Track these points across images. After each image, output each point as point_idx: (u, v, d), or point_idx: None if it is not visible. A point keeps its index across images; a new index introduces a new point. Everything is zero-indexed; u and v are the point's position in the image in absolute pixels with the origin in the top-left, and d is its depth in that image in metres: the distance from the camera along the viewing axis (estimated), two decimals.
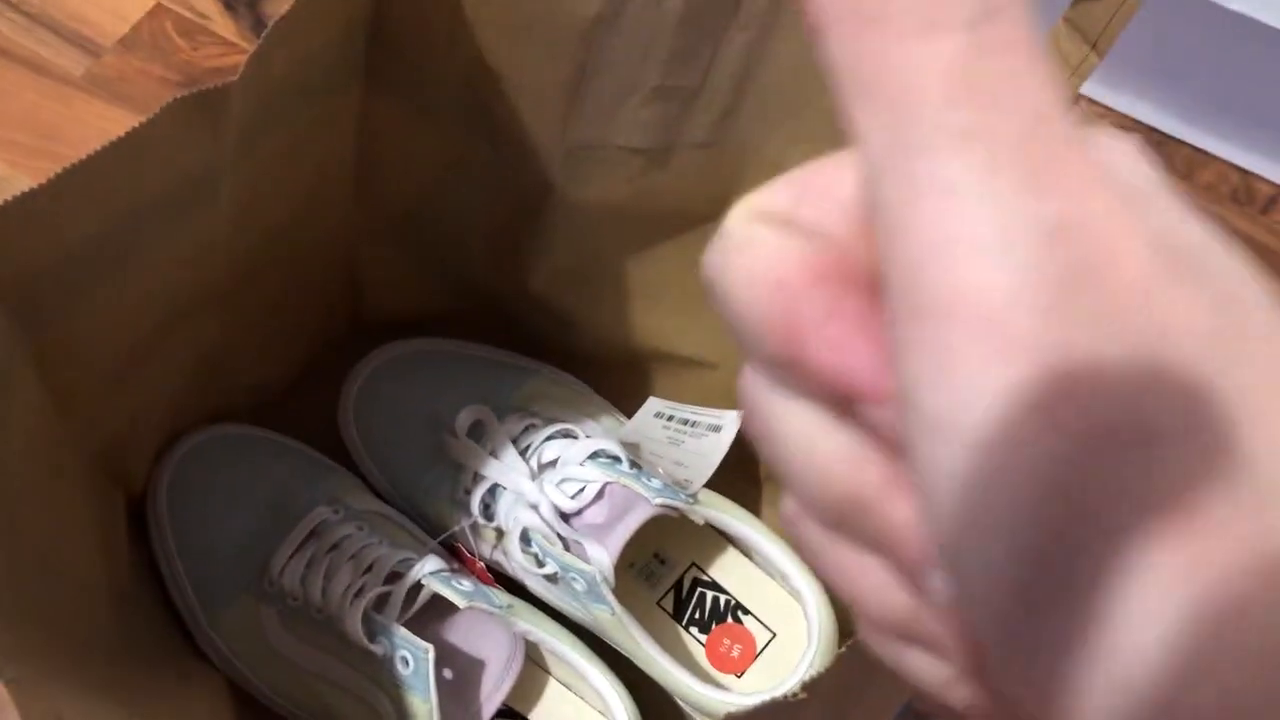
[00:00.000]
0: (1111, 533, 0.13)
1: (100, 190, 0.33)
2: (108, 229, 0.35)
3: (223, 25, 0.76)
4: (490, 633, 0.53)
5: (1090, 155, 0.13)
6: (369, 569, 0.51)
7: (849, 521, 0.16)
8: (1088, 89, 0.67)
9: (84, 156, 0.31)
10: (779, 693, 0.49)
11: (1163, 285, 0.13)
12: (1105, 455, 0.12)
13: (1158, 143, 0.75)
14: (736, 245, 0.16)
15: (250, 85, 0.36)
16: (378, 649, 0.49)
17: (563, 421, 0.56)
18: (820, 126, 0.48)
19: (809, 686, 0.27)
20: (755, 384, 0.17)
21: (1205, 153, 0.74)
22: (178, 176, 0.36)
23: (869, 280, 0.15)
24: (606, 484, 0.52)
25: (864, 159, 0.14)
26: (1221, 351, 0.13)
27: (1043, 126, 0.13)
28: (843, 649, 0.28)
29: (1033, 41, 0.13)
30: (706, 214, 0.53)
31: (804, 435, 0.16)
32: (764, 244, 0.16)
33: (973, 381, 0.13)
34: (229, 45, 0.75)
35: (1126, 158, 0.16)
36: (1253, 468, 0.13)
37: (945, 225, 0.13)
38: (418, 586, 0.51)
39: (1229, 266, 0.15)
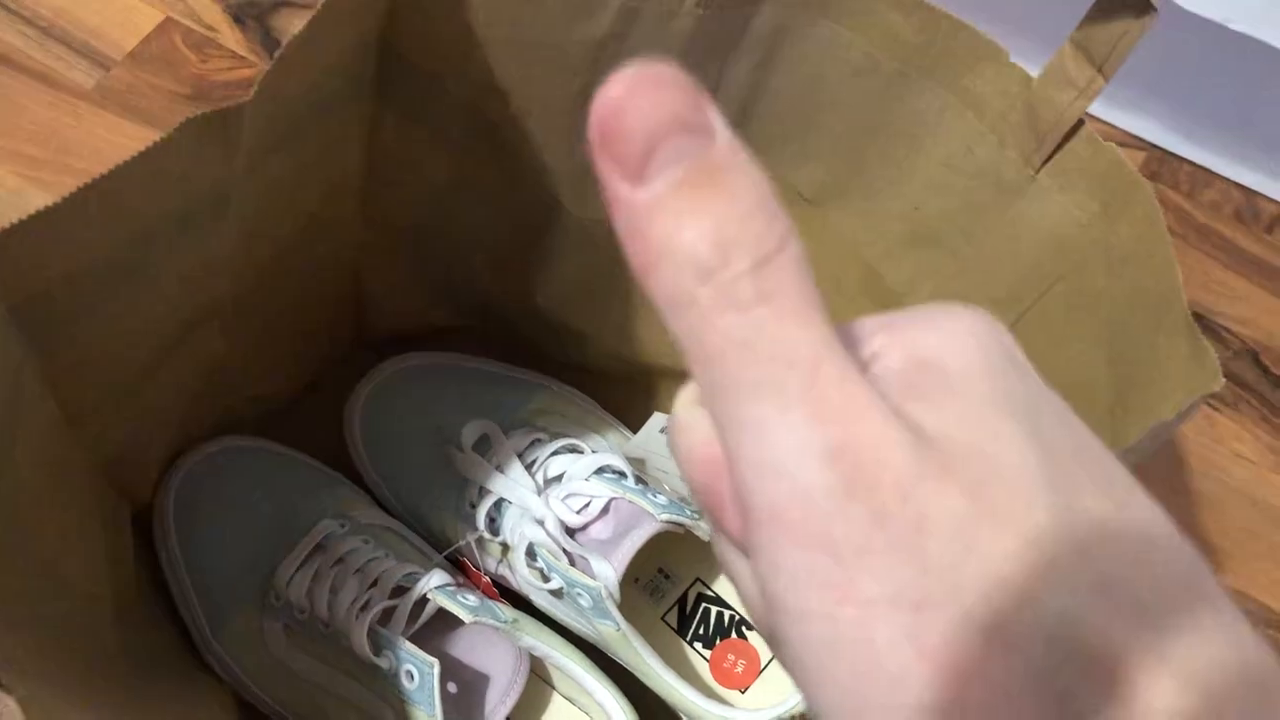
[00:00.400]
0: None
1: (116, 208, 0.33)
2: (121, 246, 0.36)
3: (232, 39, 0.76)
4: (495, 647, 0.53)
5: (867, 388, 0.17)
6: (375, 583, 0.52)
7: None
8: (1092, 108, 0.68)
9: (100, 175, 0.32)
10: (782, 710, 0.49)
11: (921, 482, 0.17)
12: (874, 621, 0.16)
13: (1161, 160, 0.75)
14: (678, 426, 0.20)
15: (262, 104, 0.36)
16: (383, 663, 0.49)
17: (569, 437, 0.56)
18: (824, 148, 0.48)
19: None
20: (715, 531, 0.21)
21: (1209, 171, 0.75)
22: (190, 194, 0.36)
23: None
24: (612, 499, 0.52)
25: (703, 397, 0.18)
26: (970, 531, 0.16)
27: (820, 369, 0.17)
28: None
29: (806, 289, 0.17)
30: None
31: (738, 573, 0.21)
32: (696, 428, 0.19)
33: (789, 566, 0.17)
34: (238, 59, 0.76)
35: (955, 339, 0.19)
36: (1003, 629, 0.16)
37: (757, 453, 0.17)
38: (423, 601, 0.51)
39: (1011, 442, 0.18)
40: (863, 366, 0.19)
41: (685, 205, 0.17)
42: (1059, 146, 0.42)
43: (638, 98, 0.17)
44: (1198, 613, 0.17)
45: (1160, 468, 0.66)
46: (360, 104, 0.46)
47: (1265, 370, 0.69)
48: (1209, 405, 0.68)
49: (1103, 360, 0.41)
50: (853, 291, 0.51)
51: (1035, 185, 0.43)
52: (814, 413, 0.17)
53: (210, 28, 0.76)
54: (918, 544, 0.16)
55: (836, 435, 0.17)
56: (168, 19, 0.76)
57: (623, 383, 0.62)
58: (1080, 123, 0.41)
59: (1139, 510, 0.18)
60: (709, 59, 0.46)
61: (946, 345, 0.19)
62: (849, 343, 0.19)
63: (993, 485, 0.17)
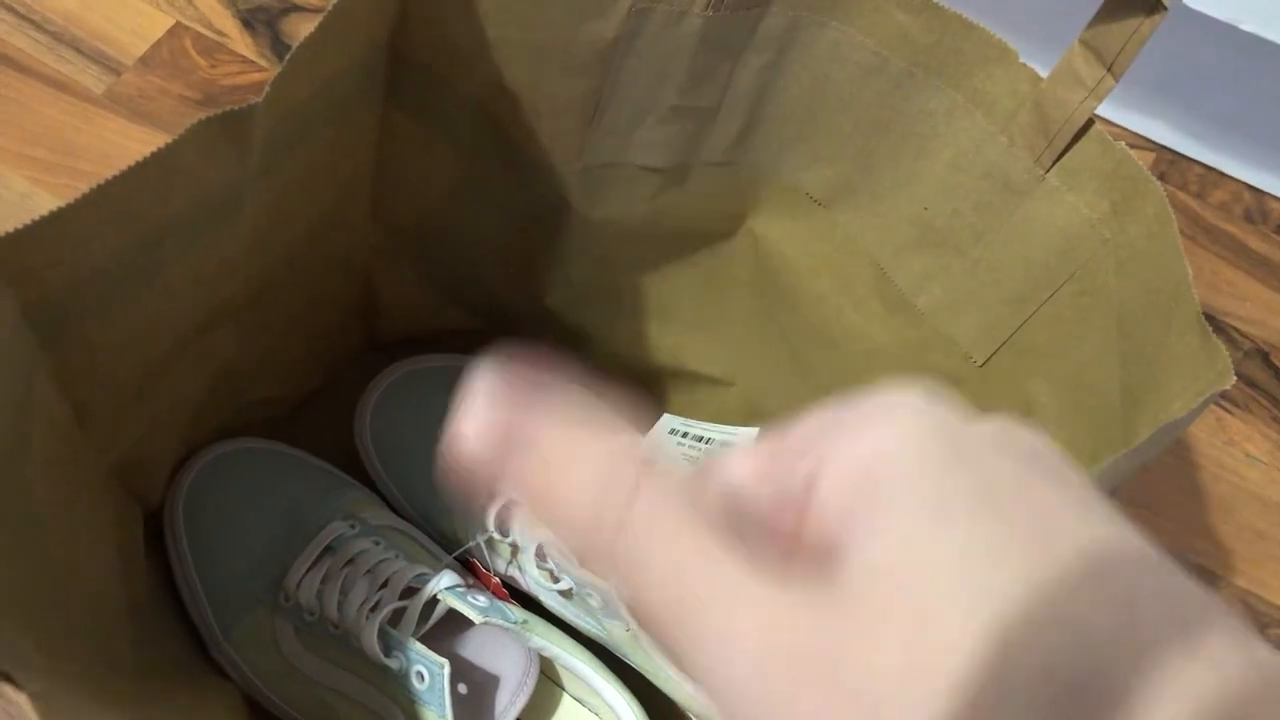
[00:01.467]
0: None
1: (128, 210, 0.34)
2: (132, 248, 0.36)
3: (241, 43, 0.77)
4: (505, 648, 0.53)
5: (767, 584, 0.18)
6: (385, 584, 0.52)
7: None
8: (1101, 109, 0.68)
9: (111, 176, 0.32)
10: None
11: (850, 652, 0.17)
12: None
13: (1170, 161, 0.75)
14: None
15: (273, 106, 0.36)
16: (393, 664, 0.49)
17: None
18: (833, 149, 0.48)
19: None
20: None
21: (1218, 172, 0.74)
22: (202, 196, 0.36)
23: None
24: None
25: None
26: (908, 679, 0.16)
27: (719, 583, 0.18)
28: None
29: (681, 516, 0.18)
30: (722, 232, 0.54)
31: None
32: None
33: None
34: (248, 63, 0.76)
35: (890, 444, 0.19)
36: None
37: (707, 671, 0.18)
38: (433, 602, 0.51)
39: (948, 555, 0.17)
40: (803, 494, 0.19)
41: (538, 502, 0.20)
42: (1068, 146, 0.42)
43: (473, 443, 0.20)
44: (1195, 638, 0.17)
45: (1171, 470, 0.66)
46: (371, 106, 0.46)
47: (1276, 371, 0.69)
48: (1220, 407, 0.68)
49: (1114, 360, 0.41)
50: (862, 294, 0.51)
51: (1044, 185, 0.43)
52: (730, 630, 0.18)
53: (220, 33, 0.77)
54: (866, 709, 0.16)
55: (759, 642, 0.17)
56: (178, 24, 0.76)
57: (634, 386, 0.62)
58: (1090, 122, 0.41)
59: (1119, 555, 0.18)
60: (719, 60, 0.46)
61: (881, 452, 0.19)
62: (782, 465, 0.19)
63: (929, 617, 0.17)
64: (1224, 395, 0.68)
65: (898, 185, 0.47)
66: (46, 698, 0.27)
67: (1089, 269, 0.42)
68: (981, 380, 0.48)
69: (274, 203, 0.43)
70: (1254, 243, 0.72)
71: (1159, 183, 0.39)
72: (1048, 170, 0.42)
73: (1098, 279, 0.42)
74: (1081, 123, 0.41)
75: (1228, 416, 0.68)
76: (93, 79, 0.74)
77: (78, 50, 0.75)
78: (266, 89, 0.35)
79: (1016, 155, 0.43)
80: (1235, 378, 0.34)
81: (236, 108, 0.34)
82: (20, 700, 0.28)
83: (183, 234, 0.37)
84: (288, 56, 0.35)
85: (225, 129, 0.34)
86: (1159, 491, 0.65)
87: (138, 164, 0.32)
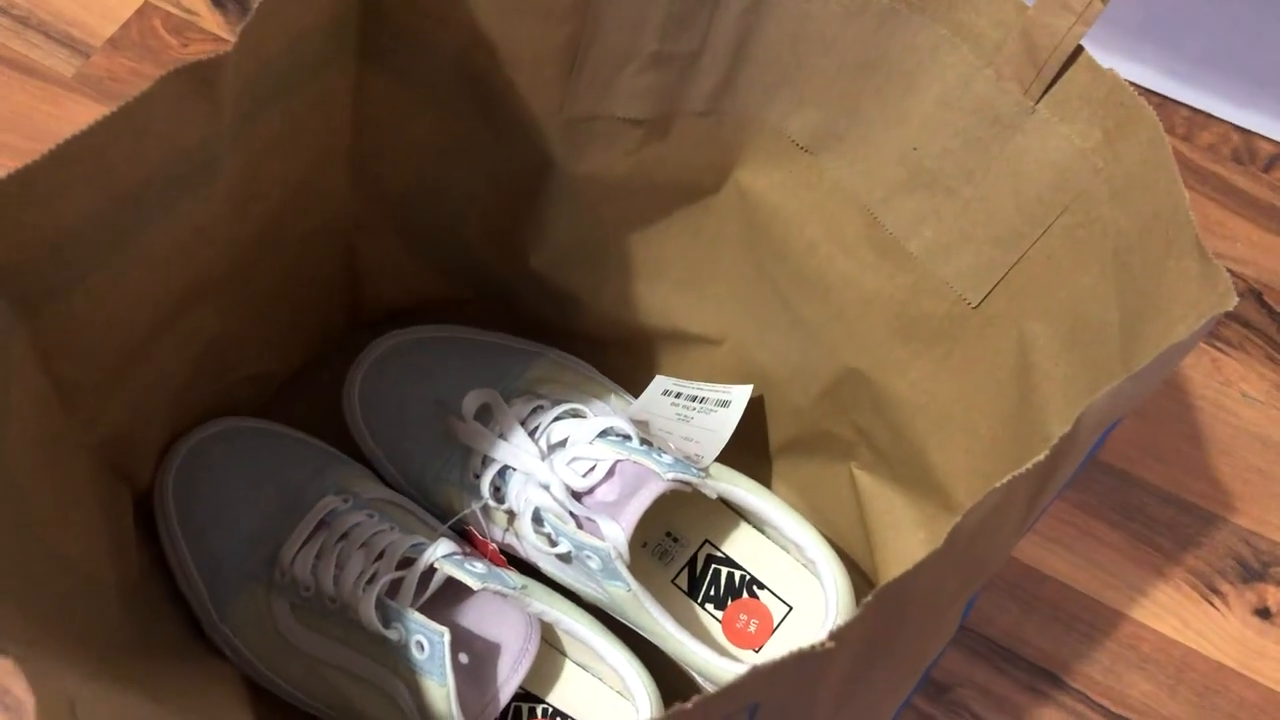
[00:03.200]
0: None
1: (99, 167, 0.33)
2: (106, 209, 0.35)
3: (212, 21, 0.75)
4: (505, 615, 0.53)
5: None
6: (381, 555, 0.51)
7: None
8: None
9: (80, 131, 0.31)
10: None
11: None
12: None
13: (1158, 105, 0.74)
14: None
15: (245, 60, 0.35)
16: (393, 635, 0.49)
17: (570, 402, 0.55)
18: (818, 91, 0.47)
19: (837, 635, 0.26)
20: None
21: (1205, 114, 0.74)
22: (176, 153, 0.35)
23: None
24: (617, 461, 0.52)
25: None
26: None
27: None
28: (869, 598, 0.27)
29: None
30: (708, 185, 0.53)
31: None
32: None
33: None
34: (220, 41, 0.75)
35: None
36: None
37: None
38: (431, 571, 0.50)
39: None
40: None
41: None
42: (1058, 76, 0.41)
43: None
44: None
45: (1169, 414, 0.66)
46: (345, 65, 0.45)
47: (1270, 310, 0.68)
48: (1215, 348, 0.67)
49: (1111, 291, 0.40)
50: (853, 241, 0.50)
51: (1035, 118, 0.42)
52: None
53: (190, 11, 0.75)
54: None
55: None
56: (146, 4, 0.75)
57: (622, 349, 0.61)
58: (1079, 49, 0.40)
59: None
60: (699, 3, 0.45)
61: None
62: None
63: None
64: (1219, 336, 0.68)
65: (885, 126, 0.46)
66: (31, 662, 0.26)
67: (1083, 200, 0.41)
68: (976, 323, 0.47)
69: (251, 166, 0.42)
70: (1243, 183, 0.72)
71: (1152, 108, 0.38)
72: (1037, 101, 0.42)
73: (1092, 210, 0.41)
74: (1070, 50, 0.40)
75: (1223, 357, 0.67)
76: (62, 62, 0.73)
77: (45, 34, 0.74)
78: (235, 40, 0.34)
79: (1005, 88, 0.42)
80: (1236, 300, 0.34)
81: (206, 57, 0.33)
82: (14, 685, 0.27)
83: (157, 195, 0.37)
84: (254, 7, 0.34)
85: (196, 81, 0.33)
86: (1157, 435, 0.65)
87: (107, 117, 0.31)
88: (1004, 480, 0.29)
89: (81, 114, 0.71)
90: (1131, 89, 0.39)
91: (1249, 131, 0.73)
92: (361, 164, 0.51)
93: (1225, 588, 0.62)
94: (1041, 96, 0.42)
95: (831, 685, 0.31)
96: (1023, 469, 0.30)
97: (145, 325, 0.44)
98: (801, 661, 0.26)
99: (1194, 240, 0.35)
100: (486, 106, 0.47)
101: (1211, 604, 0.61)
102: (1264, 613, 0.61)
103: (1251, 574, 0.62)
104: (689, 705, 0.25)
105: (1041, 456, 0.30)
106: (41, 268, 0.35)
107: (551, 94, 0.47)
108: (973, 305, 0.47)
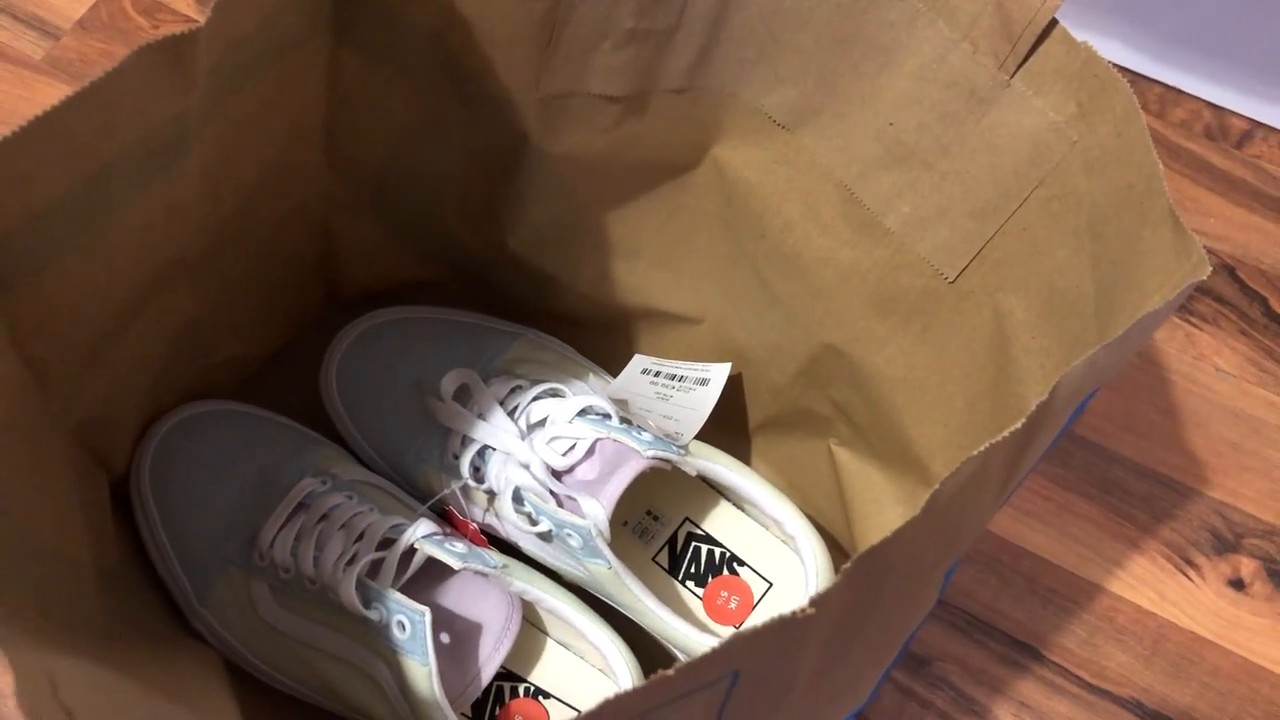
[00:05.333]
0: None
1: (69, 143, 0.32)
2: (77, 186, 0.34)
3: (182, 1, 0.74)
4: (486, 595, 0.53)
5: None
6: (360, 536, 0.51)
7: None
8: None
9: (51, 106, 0.30)
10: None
11: None
12: None
13: (1131, 83, 0.75)
14: None
15: (216, 35, 0.35)
16: (373, 615, 0.49)
17: (549, 382, 0.55)
18: (795, 67, 0.47)
19: (817, 602, 0.26)
20: None
21: (1178, 90, 0.74)
22: (147, 129, 0.35)
23: None
24: (597, 440, 0.52)
25: None
26: None
27: None
28: (848, 564, 0.27)
29: None
30: (685, 163, 0.53)
31: None
32: None
33: None
34: (190, 21, 0.74)
35: None
36: None
37: None
38: (411, 551, 0.50)
39: None
40: None
41: None
42: (1032, 49, 0.41)
43: None
44: None
45: (1143, 388, 0.66)
46: (319, 42, 0.45)
47: (1242, 284, 0.69)
48: (1188, 322, 0.68)
49: (1086, 263, 0.40)
50: (829, 218, 0.50)
51: (1010, 91, 0.42)
52: None
53: None
54: None
55: None
56: None
57: (599, 328, 0.61)
58: (1054, 23, 0.40)
59: None
60: None
61: None
62: None
63: None
64: (1192, 311, 0.68)
65: (862, 102, 0.46)
66: (8, 638, 0.26)
67: (1058, 173, 0.42)
68: (953, 297, 0.47)
69: (224, 144, 0.42)
70: (1216, 159, 0.72)
71: (1125, 81, 0.39)
72: (1012, 75, 0.42)
73: (1067, 182, 0.41)
74: (1044, 23, 0.40)
75: (1196, 332, 0.68)
76: (30, 45, 0.72)
77: (13, 17, 0.73)
78: (208, 13, 0.33)
79: (980, 62, 0.42)
80: (1210, 270, 0.34)
81: (178, 32, 0.32)
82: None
83: (129, 173, 0.36)
84: None
85: (167, 55, 0.33)
86: (1131, 409, 0.66)
87: (78, 93, 0.31)
88: (981, 448, 0.29)
89: (51, 97, 0.70)
90: (1106, 62, 0.39)
91: (1221, 108, 0.74)
92: (336, 143, 0.51)
93: (1200, 559, 0.62)
94: (1016, 70, 0.42)
95: (812, 654, 0.31)
96: (999, 437, 0.30)
97: (120, 306, 0.44)
98: (782, 628, 0.26)
99: (1168, 210, 0.36)
100: (461, 84, 0.47)
101: (1186, 576, 0.62)
102: (1238, 584, 0.62)
103: (1225, 546, 0.63)
104: (671, 672, 0.25)
105: (1018, 425, 0.30)
106: (13, 247, 0.34)
107: (527, 71, 0.46)
108: (949, 279, 0.47)
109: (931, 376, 0.48)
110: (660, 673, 0.25)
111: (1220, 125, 0.74)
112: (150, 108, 0.34)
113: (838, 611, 0.29)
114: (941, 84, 0.44)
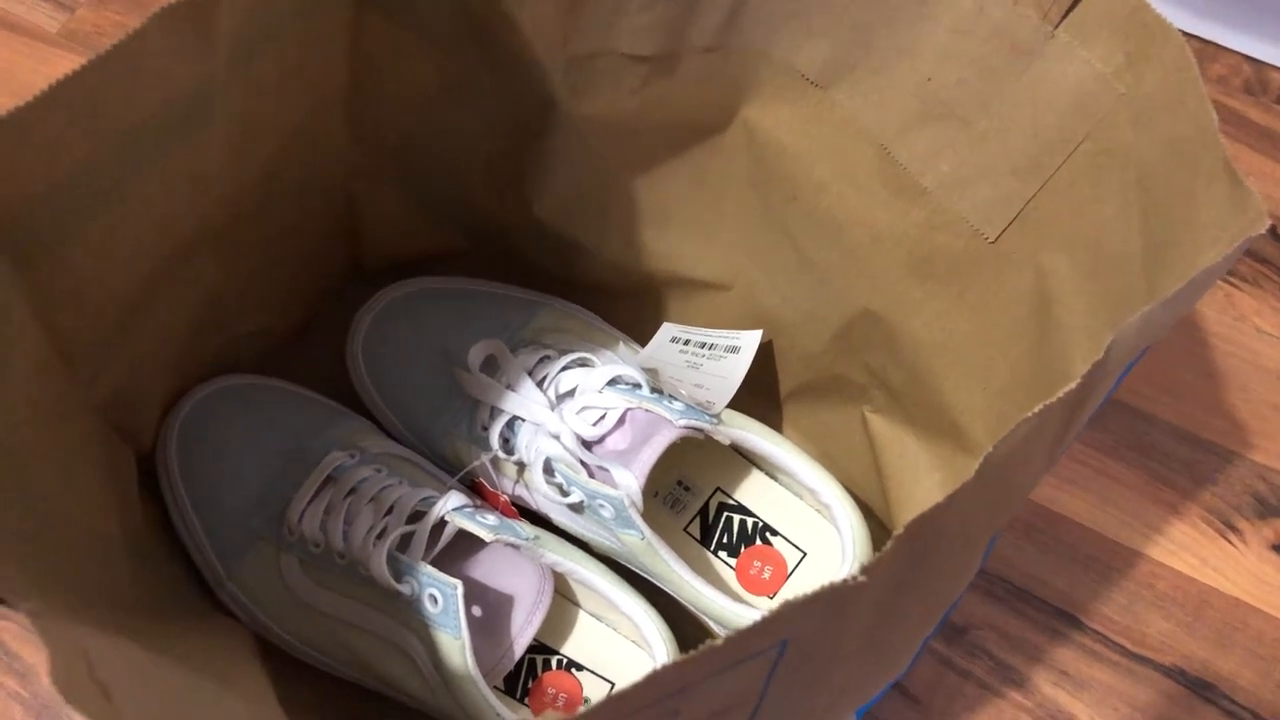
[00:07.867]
0: None
1: (91, 108, 0.32)
2: (100, 153, 0.34)
3: None
4: (518, 567, 0.52)
5: None
6: (390, 510, 0.50)
7: None
8: None
9: (72, 71, 0.30)
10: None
11: None
12: None
13: None
14: None
15: None
16: (405, 589, 0.48)
17: (577, 351, 0.55)
18: (827, 20, 0.46)
19: (868, 570, 0.26)
20: None
21: (1216, 45, 0.72)
22: (170, 94, 0.34)
23: None
24: (628, 410, 0.51)
25: None
26: None
27: None
28: (900, 530, 0.26)
29: None
30: (714, 125, 0.52)
31: None
32: None
33: None
34: None
35: None
36: None
37: None
38: (441, 524, 0.50)
39: None
40: None
41: None
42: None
43: None
44: None
45: (1183, 351, 0.65)
46: (341, 4, 0.44)
47: None
48: (1228, 283, 0.67)
49: (1134, 219, 0.39)
50: (865, 178, 0.49)
51: (1054, 43, 0.41)
52: None
53: None
54: None
55: None
56: None
57: (627, 296, 0.60)
58: None
59: None
60: None
61: None
62: None
63: None
64: (1233, 272, 0.67)
65: (898, 57, 0.45)
66: (43, 616, 0.26)
67: (1105, 127, 0.40)
68: (993, 258, 0.46)
69: (247, 110, 0.41)
70: (1255, 115, 0.71)
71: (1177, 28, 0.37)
72: (1056, 26, 0.40)
73: (1115, 136, 0.40)
74: None
75: (1236, 292, 0.66)
76: (45, 17, 0.71)
77: None
78: None
79: (1022, 13, 0.41)
80: (1269, 223, 0.33)
81: None
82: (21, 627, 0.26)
83: (153, 139, 0.35)
84: None
85: (189, 17, 0.32)
86: (1171, 372, 0.64)
87: (99, 57, 0.30)
88: (1036, 409, 0.28)
89: (68, 69, 0.69)
90: (1155, 10, 0.38)
91: (1261, 62, 0.72)
92: (360, 109, 0.50)
93: (1242, 524, 0.61)
94: (1061, 20, 0.40)
95: (860, 623, 0.31)
96: (1054, 397, 0.29)
97: (145, 278, 0.43)
98: (834, 596, 0.25)
99: (1223, 162, 0.34)
100: (486, 46, 0.46)
101: (1228, 540, 0.61)
102: None
103: (1269, 510, 0.62)
104: (720, 641, 0.24)
105: (1073, 385, 0.29)
106: (37, 216, 0.34)
107: (554, 31, 0.45)
108: (990, 240, 0.46)
109: (971, 340, 0.47)
110: (710, 642, 0.24)
111: (1260, 80, 0.72)
112: (172, 72, 0.33)
113: (888, 580, 0.28)
114: (981, 37, 0.42)
